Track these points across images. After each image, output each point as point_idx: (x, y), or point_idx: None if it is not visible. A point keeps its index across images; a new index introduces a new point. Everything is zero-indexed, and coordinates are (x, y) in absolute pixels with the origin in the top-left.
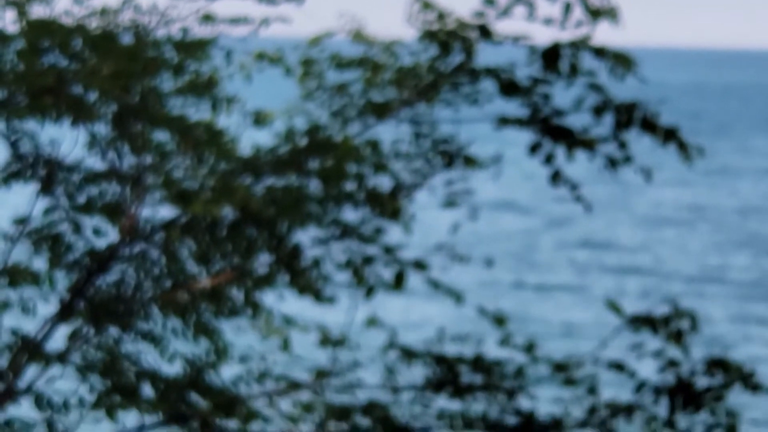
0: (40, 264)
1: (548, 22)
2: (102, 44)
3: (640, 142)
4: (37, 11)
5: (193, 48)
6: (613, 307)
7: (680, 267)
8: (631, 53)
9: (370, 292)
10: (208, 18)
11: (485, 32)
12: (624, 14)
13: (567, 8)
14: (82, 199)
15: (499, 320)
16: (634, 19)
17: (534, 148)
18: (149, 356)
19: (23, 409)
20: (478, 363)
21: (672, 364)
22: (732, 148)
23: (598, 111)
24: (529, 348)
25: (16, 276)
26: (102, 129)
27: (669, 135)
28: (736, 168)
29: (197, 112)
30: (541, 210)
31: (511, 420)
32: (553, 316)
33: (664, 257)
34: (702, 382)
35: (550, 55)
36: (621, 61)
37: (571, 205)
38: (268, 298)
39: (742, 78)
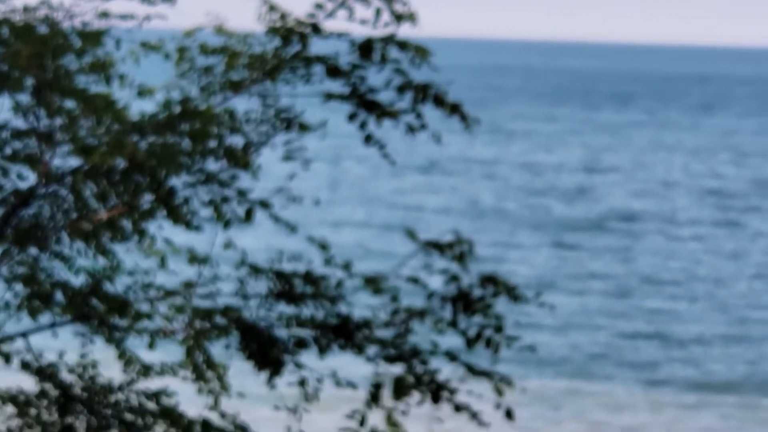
0: None
1: (363, 22)
2: (23, 33)
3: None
4: None
5: (92, 37)
6: (411, 234)
7: (459, 205)
8: (427, 45)
9: (227, 224)
10: (103, 14)
11: (316, 29)
12: (436, 8)
13: (377, 12)
14: (8, 151)
15: (323, 246)
16: (437, 12)
17: (351, 117)
18: (61, 271)
19: None
20: (308, 277)
21: (454, 278)
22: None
23: (401, 89)
24: (347, 266)
25: None
26: (24, 98)
27: (454, 108)
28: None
29: (96, 86)
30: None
31: (333, 321)
32: (370, 244)
33: (450, 200)
34: (477, 292)
35: (365, 47)
36: (419, 51)
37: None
38: (151, 227)
39: (528, 62)
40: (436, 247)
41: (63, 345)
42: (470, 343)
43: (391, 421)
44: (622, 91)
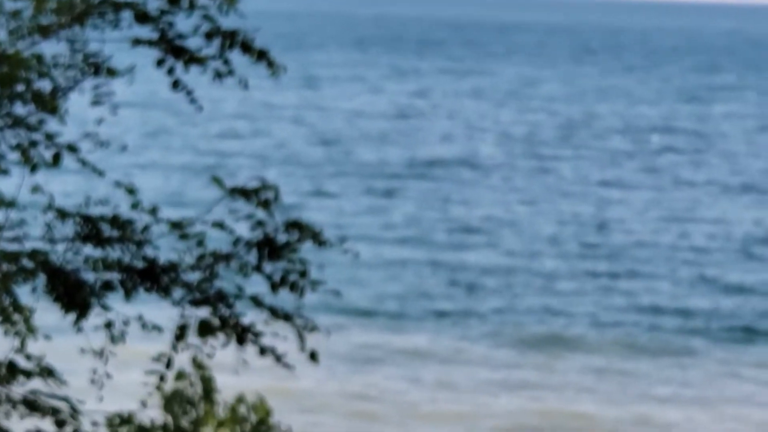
0: None
1: None
2: None
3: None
4: None
5: None
6: (217, 181)
7: (268, 152)
8: None
9: (34, 168)
10: None
11: None
12: None
13: None
14: None
15: (130, 190)
16: None
17: (159, 63)
18: None
19: None
20: (115, 221)
21: (260, 224)
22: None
23: (209, 36)
24: (153, 211)
25: None
26: None
27: (261, 55)
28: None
29: None
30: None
31: (140, 264)
32: (178, 189)
33: (259, 146)
34: (282, 238)
35: None
36: None
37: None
38: None
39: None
40: (242, 193)
41: None
42: (275, 287)
43: (197, 363)
44: (431, 38)
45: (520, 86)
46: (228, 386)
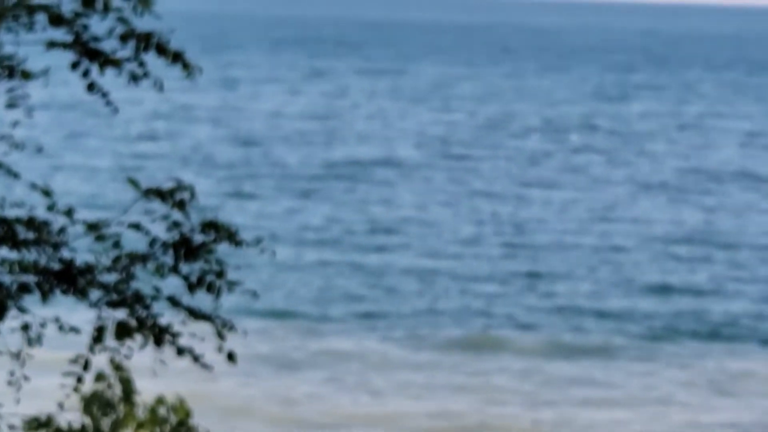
0: None
1: None
2: None
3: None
4: None
5: None
6: (133, 183)
7: (186, 153)
8: None
9: None
10: None
11: None
12: None
13: None
14: None
15: (46, 192)
16: None
17: (74, 66)
18: None
19: None
20: (31, 223)
21: (176, 225)
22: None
23: (124, 38)
24: (69, 212)
25: None
26: None
27: (176, 56)
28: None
29: None
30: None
31: (56, 266)
32: (95, 191)
33: (178, 148)
34: (198, 238)
35: None
36: (141, 0)
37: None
38: None
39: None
40: (157, 193)
41: None
42: (192, 287)
43: (115, 365)
44: (348, 39)
45: (437, 86)
46: (147, 390)
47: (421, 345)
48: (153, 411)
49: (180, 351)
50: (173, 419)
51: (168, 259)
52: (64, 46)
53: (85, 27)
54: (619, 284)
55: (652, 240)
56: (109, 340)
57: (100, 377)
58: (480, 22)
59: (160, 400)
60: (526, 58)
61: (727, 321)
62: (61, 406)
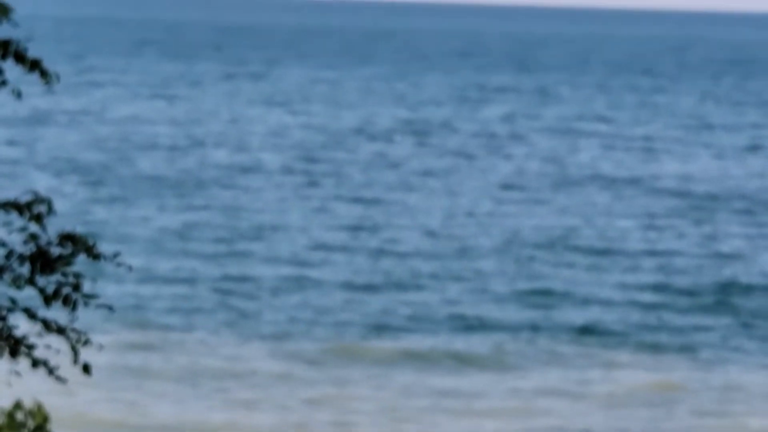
0: None
1: None
2: None
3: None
4: None
5: None
6: None
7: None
8: (6, 2)
9: None
10: None
11: None
12: None
13: None
14: None
15: None
16: None
17: None
18: None
19: None
20: None
21: (33, 237)
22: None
23: None
24: None
25: None
26: None
27: (34, 65)
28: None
29: None
30: None
31: None
32: None
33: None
34: (56, 251)
35: None
36: (0, 9)
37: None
38: None
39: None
40: (14, 207)
41: None
42: (48, 300)
43: None
44: (208, 42)
45: (299, 89)
46: (3, 399)
47: (277, 354)
48: (11, 416)
49: (35, 362)
50: (31, 424)
51: (25, 271)
52: None
53: None
54: (476, 290)
55: (510, 244)
56: None
57: None
58: (335, 24)
59: (18, 405)
60: (386, 61)
61: (589, 326)
62: None
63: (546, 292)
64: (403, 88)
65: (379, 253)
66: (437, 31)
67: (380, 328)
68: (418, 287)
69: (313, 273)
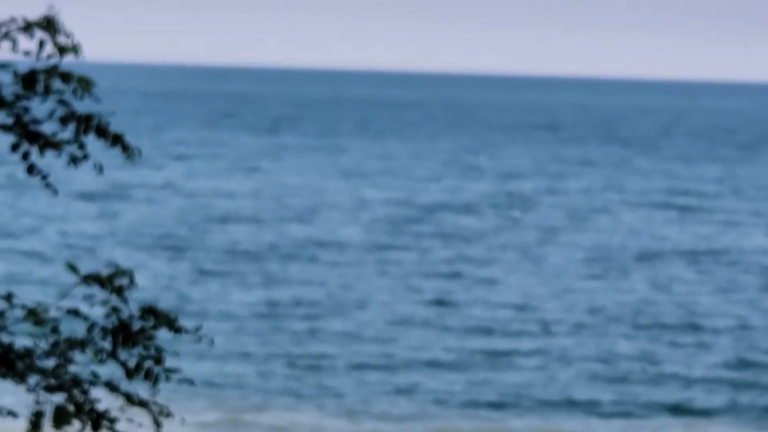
0: None
1: (27, 53)
2: None
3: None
4: None
5: None
6: (71, 268)
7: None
8: (89, 76)
9: None
10: None
11: None
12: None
13: (41, 44)
14: None
15: None
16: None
17: (14, 148)
18: None
19: None
20: None
21: (114, 310)
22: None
23: (64, 120)
24: (8, 297)
25: None
26: None
27: (116, 139)
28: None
29: None
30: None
31: None
32: (34, 274)
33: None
34: (137, 324)
35: (29, 79)
36: (82, 82)
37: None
38: None
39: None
40: (96, 279)
41: None
42: (130, 374)
43: None
44: (283, 115)
45: (379, 161)
46: None
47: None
48: None
49: None
50: None
51: (106, 344)
52: (4, 128)
53: (26, 109)
54: (561, 367)
55: (594, 320)
56: (47, 426)
57: None
58: (413, 97)
59: None
60: (467, 133)
61: (680, 404)
62: None
63: (629, 371)
64: (484, 161)
65: (463, 329)
66: (516, 104)
67: (469, 405)
68: (502, 365)
69: (396, 349)
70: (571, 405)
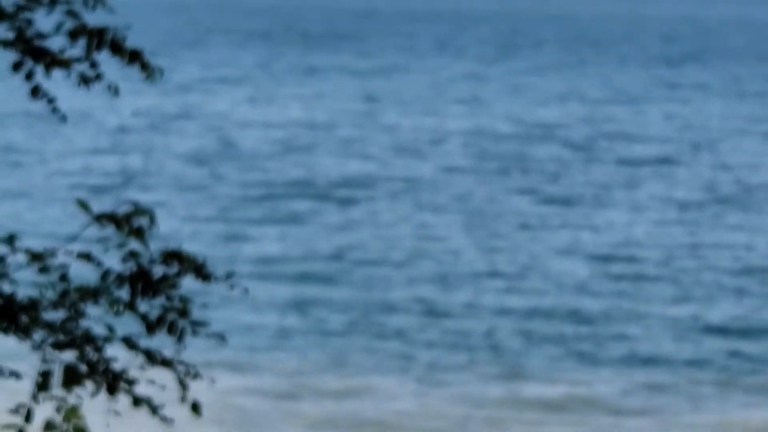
0: None
1: None
2: None
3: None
4: None
5: None
6: (82, 205)
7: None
8: None
9: None
10: None
11: None
12: None
13: None
14: None
15: None
16: None
17: (16, 66)
18: None
19: None
20: None
21: (133, 255)
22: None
23: (74, 35)
24: (10, 240)
25: None
26: None
27: (133, 56)
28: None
29: None
30: None
31: None
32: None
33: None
34: (159, 270)
35: None
36: None
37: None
38: None
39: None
40: (111, 219)
41: None
42: (150, 327)
43: (68, 412)
44: (337, 30)
45: (443, 86)
46: None
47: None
48: None
49: (137, 401)
50: None
51: (123, 294)
52: (5, 44)
53: (29, 22)
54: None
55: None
56: (56, 388)
57: (50, 426)
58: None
59: None
60: (553, 50)
61: None
62: None
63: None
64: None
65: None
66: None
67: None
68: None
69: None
70: (669, 362)
